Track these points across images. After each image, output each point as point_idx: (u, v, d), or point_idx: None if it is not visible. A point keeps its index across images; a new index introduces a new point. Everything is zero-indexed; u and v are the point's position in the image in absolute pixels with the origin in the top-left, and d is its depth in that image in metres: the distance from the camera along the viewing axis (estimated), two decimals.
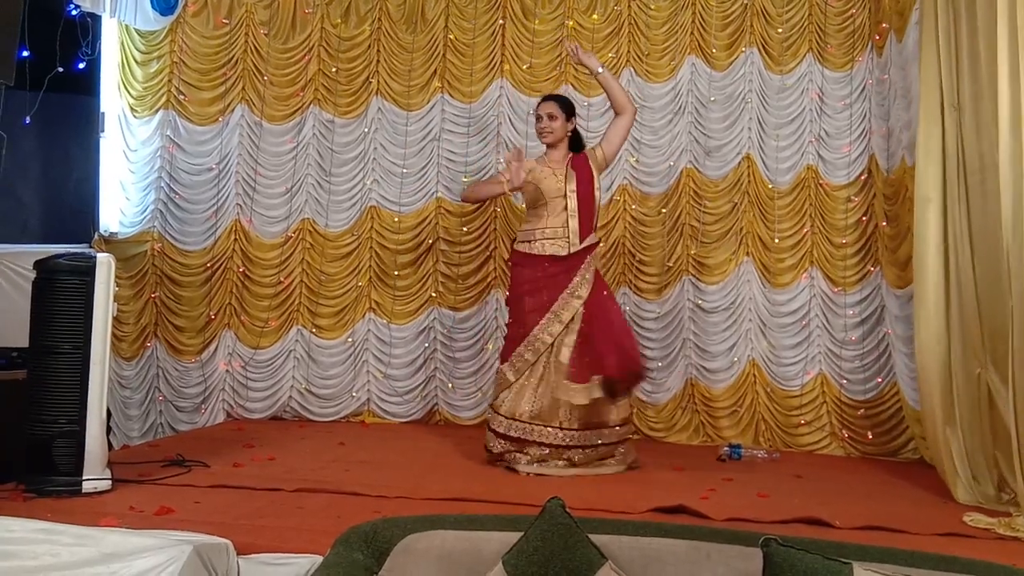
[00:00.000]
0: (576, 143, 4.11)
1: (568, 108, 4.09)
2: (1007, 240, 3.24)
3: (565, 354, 3.81)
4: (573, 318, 3.85)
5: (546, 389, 3.81)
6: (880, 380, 4.57)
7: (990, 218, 3.34)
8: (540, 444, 3.78)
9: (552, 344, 3.83)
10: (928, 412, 3.62)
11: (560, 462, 3.79)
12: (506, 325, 4.17)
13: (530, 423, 3.79)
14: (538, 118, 4.06)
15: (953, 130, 3.52)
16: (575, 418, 3.78)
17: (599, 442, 3.84)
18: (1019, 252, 3.20)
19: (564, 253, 3.90)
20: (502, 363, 3.95)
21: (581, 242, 3.90)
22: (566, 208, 3.94)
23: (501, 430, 3.82)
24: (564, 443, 3.78)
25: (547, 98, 4.17)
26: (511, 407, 3.82)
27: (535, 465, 3.76)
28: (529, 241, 3.97)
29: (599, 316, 3.89)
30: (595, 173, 4.00)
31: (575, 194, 3.94)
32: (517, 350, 3.86)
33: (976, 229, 3.42)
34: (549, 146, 4.04)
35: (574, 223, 3.91)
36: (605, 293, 4.03)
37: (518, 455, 3.79)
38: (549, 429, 3.78)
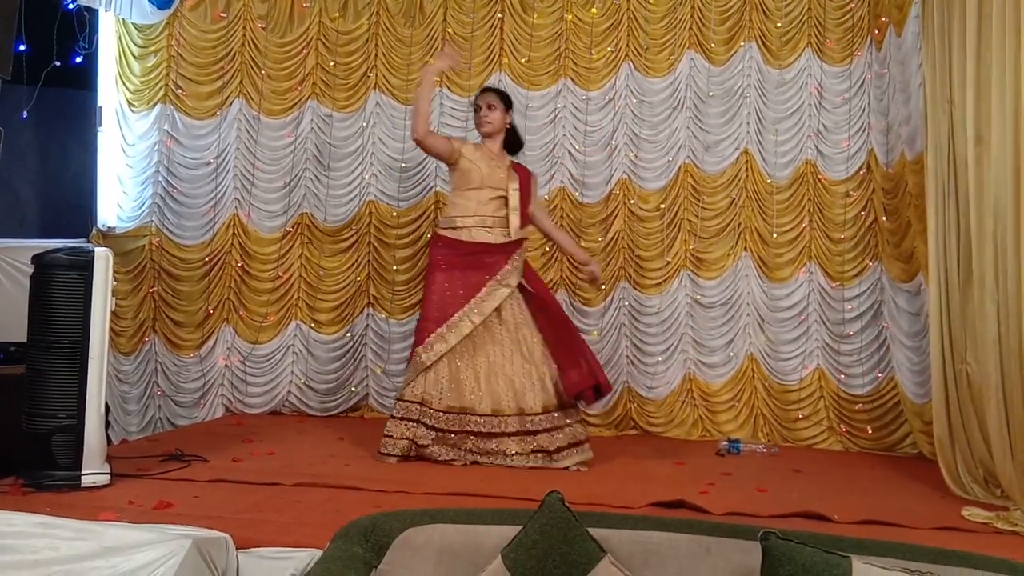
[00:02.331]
0: (514, 143, 4.15)
1: (506, 100, 4.11)
2: (995, 236, 3.24)
3: (521, 349, 3.77)
4: (500, 309, 3.79)
5: (486, 377, 3.73)
6: (878, 375, 4.58)
7: (982, 213, 3.35)
8: (470, 433, 3.69)
9: (470, 333, 3.73)
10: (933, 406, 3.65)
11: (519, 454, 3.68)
12: (421, 304, 4.10)
13: (460, 414, 3.71)
14: (477, 108, 4.06)
15: (947, 125, 3.52)
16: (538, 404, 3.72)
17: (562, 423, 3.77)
18: (1006, 248, 3.21)
19: (498, 241, 3.87)
20: (417, 346, 3.80)
21: (521, 229, 3.93)
22: (506, 204, 3.94)
23: (429, 422, 3.72)
24: (529, 429, 3.70)
25: (487, 89, 4.21)
26: (444, 399, 3.72)
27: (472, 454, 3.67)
28: (455, 228, 3.92)
29: (558, 320, 3.90)
30: (532, 193, 4.06)
31: (517, 193, 3.97)
32: (439, 331, 3.75)
33: (970, 224, 3.43)
34: (486, 136, 4.05)
35: (515, 219, 3.92)
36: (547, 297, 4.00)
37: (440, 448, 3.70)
38: (475, 417, 3.70)
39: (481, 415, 3.72)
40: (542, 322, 3.90)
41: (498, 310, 3.82)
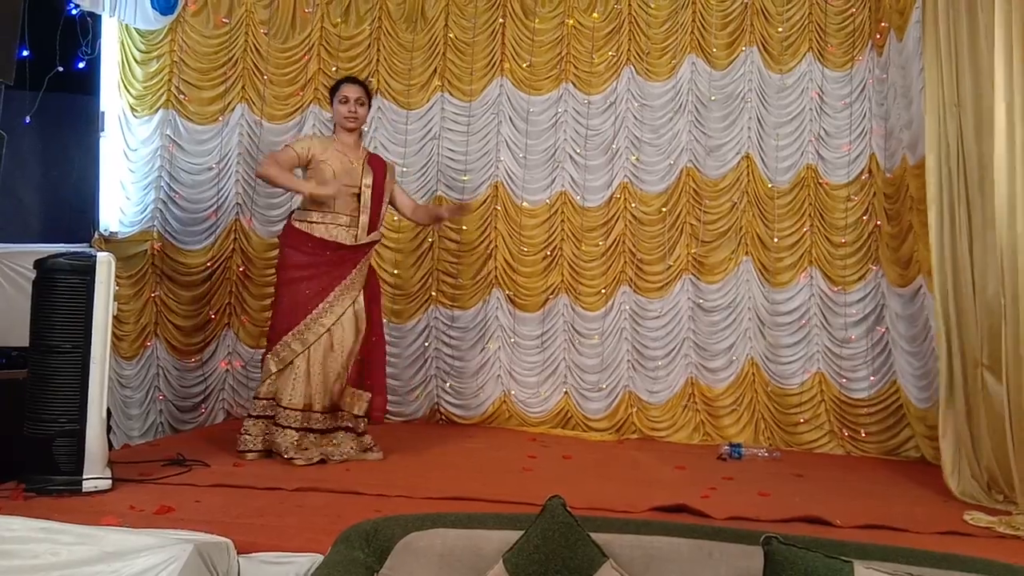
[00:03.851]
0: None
1: (370, 96, 4.04)
2: (1001, 238, 3.24)
3: (344, 351, 3.81)
4: (344, 314, 3.82)
5: (317, 378, 3.78)
6: (880, 379, 4.58)
7: (987, 216, 3.35)
8: (309, 430, 3.78)
9: (321, 336, 3.78)
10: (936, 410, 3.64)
11: (325, 447, 3.80)
12: (272, 306, 4.05)
13: (304, 411, 3.78)
14: (344, 100, 3.93)
15: (954, 129, 3.52)
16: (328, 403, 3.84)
17: (347, 424, 3.89)
18: (1013, 250, 3.21)
19: (350, 243, 3.85)
20: (267, 352, 3.88)
21: (368, 235, 3.90)
22: (358, 200, 3.88)
23: (288, 423, 3.75)
24: (326, 427, 3.84)
25: (353, 80, 4.06)
26: (291, 398, 3.76)
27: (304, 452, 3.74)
28: (311, 222, 3.86)
29: (375, 340, 3.97)
30: (387, 185, 4.00)
31: (370, 190, 3.90)
32: (284, 339, 3.77)
33: (975, 227, 3.42)
34: (349, 132, 3.97)
35: (364, 218, 3.88)
36: (375, 307, 4.02)
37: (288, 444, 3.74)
38: (316, 415, 3.80)
39: (321, 412, 3.82)
40: (366, 339, 3.95)
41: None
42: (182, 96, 5.05)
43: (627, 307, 4.93)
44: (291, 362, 3.77)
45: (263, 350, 4.96)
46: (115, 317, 3.26)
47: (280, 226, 5.06)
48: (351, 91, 3.95)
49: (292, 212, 4.06)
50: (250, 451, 3.81)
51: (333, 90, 4.03)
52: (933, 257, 3.58)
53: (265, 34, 5.11)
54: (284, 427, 3.76)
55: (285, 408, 3.77)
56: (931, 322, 4.08)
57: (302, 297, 3.79)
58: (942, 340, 3.53)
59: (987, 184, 3.35)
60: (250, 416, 3.89)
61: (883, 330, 4.59)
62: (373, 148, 5.11)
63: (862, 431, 4.56)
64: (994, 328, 3.29)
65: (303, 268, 3.83)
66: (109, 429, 3.38)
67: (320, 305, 3.79)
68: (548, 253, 5.00)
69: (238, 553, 2.42)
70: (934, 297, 3.59)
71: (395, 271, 5.08)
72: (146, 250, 4.96)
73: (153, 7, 4.89)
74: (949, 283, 3.51)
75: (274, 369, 3.80)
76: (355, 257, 3.89)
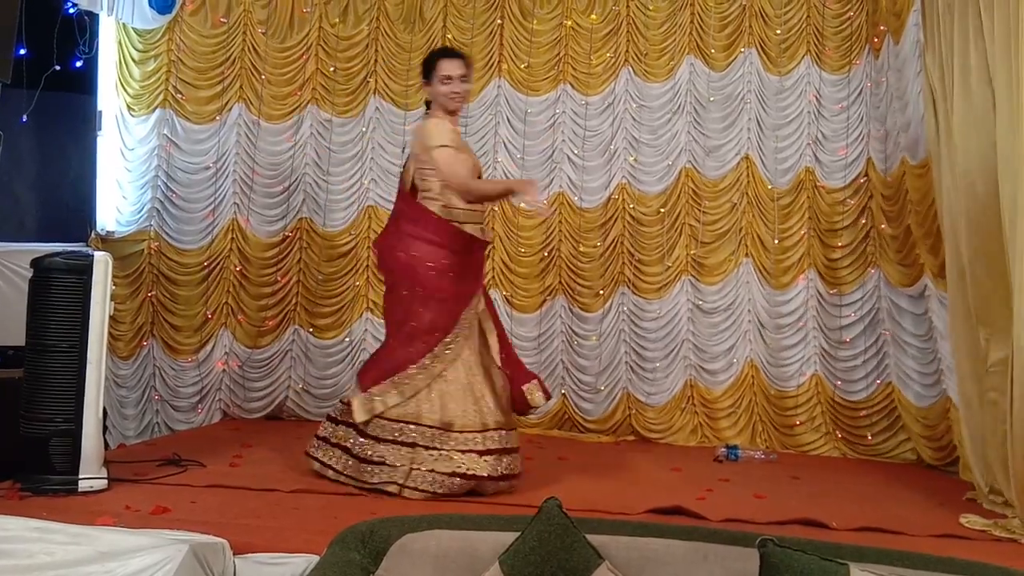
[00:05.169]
0: None
1: (471, 71, 3.51)
2: (1005, 238, 3.24)
3: (494, 347, 3.39)
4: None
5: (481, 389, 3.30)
6: (876, 381, 4.59)
7: (985, 218, 3.35)
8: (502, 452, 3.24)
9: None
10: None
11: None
12: (411, 313, 3.36)
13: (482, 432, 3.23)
14: (447, 79, 3.35)
15: (952, 126, 3.52)
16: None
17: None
18: (1019, 250, 3.21)
19: (480, 237, 3.44)
20: (412, 364, 3.26)
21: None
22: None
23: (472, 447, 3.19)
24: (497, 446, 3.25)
25: (456, 54, 3.49)
26: (465, 417, 3.22)
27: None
28: (460, 222, 3.38)
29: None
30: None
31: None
32: (435, 351, 3.25)
33: (975, 229, 3.42)
34: (453, 114, 3.45)
35: (486, 209, 3.52)
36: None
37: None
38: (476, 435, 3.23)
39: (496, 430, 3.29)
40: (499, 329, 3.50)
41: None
42: (179, 95, 5.04)
43: (625, 308, 4.93)
44: (441, 375, 3.26)
45: (257, 352, 5.02)
46: (111, 317, 3.24)
47: (278, 226, 5.09)
48: (453, 68, 3.35)
49: (421, 202, 3.43)
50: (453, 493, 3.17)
51: (429, 66, 3.43)
52: (953, 261, 3.54)
53: (263, 34, 5.10)
54: (472, 452, 3.18)
55: (461, 432, 3.20)
56: (935, 322, 4.08)
57: (454, 304, 3.31)
58: (963, 340, 3.50)
59: (982, 186, 3.34)
60: (382, 441, 3.26)
61: (880, 332, 4.59)
62: (371, 149, 5.12)
63: (868, 435, 4.55)
64: (998, 330, 3.29)
65: (456, 267, 3.34)
66: (105, 429, 3.38)
67: (469, 304, 3.35)
68: (546, 254, 4.99)
69: (234, 554, 2.42)
70: (948, 301, 3.58)
71: None
72: (143, 250, 4.95)
73: (151, 6, 4.88)
74: (957, 286, 3.49)
75: (422, 384, 3.26)
76: (483, 252, 3.53)
